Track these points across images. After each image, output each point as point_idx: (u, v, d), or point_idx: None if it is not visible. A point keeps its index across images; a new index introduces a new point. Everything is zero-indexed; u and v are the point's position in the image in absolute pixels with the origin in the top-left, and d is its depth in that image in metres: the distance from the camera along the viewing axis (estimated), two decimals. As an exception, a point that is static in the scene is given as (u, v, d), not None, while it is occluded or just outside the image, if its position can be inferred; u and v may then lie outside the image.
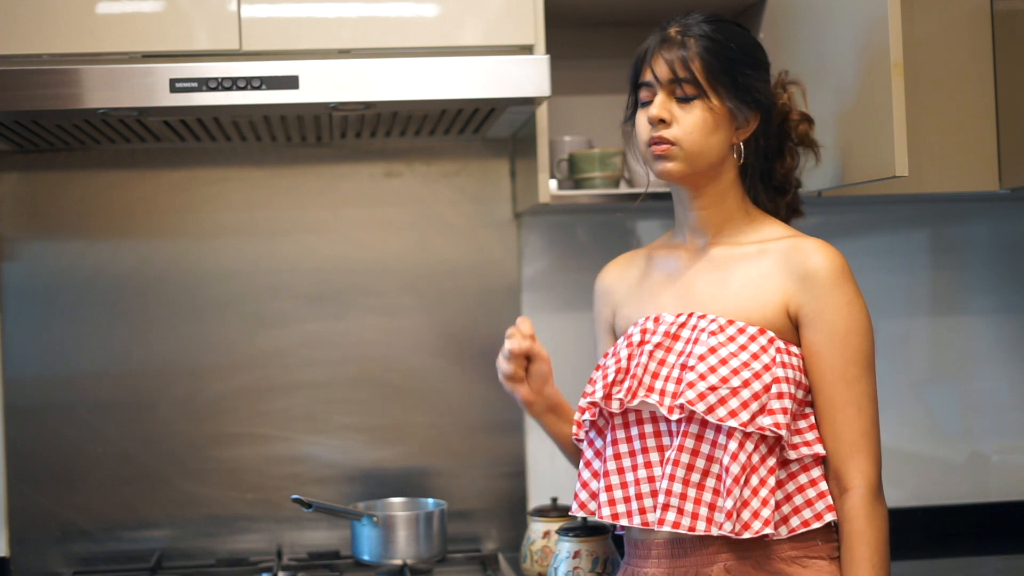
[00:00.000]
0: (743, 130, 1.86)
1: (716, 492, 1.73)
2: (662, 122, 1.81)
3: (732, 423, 1.70)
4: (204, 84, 2.03)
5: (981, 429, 2.75)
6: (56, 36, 2.16)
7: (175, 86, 2.02)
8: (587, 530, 2.11)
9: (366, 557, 2.42)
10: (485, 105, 2.20)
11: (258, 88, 2.04)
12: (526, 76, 2.09)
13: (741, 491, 1.71)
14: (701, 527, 1.73)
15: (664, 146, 1.81)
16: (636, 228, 2.69)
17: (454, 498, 2.59)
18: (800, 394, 1.76)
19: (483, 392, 2.65)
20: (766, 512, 1.71)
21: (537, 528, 2.40)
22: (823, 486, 1.76)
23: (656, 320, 1.84)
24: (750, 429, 1.71)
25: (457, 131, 2.51)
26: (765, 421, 1.71)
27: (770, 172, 1.94)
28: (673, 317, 1.83)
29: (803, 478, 1.76)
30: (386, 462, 2.63)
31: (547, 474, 2.65)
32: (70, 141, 2.44)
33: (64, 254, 2.57)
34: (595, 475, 1.85)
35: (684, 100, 1.82)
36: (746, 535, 1.72)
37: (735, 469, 1.71)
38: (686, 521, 1.73)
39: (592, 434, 1.86)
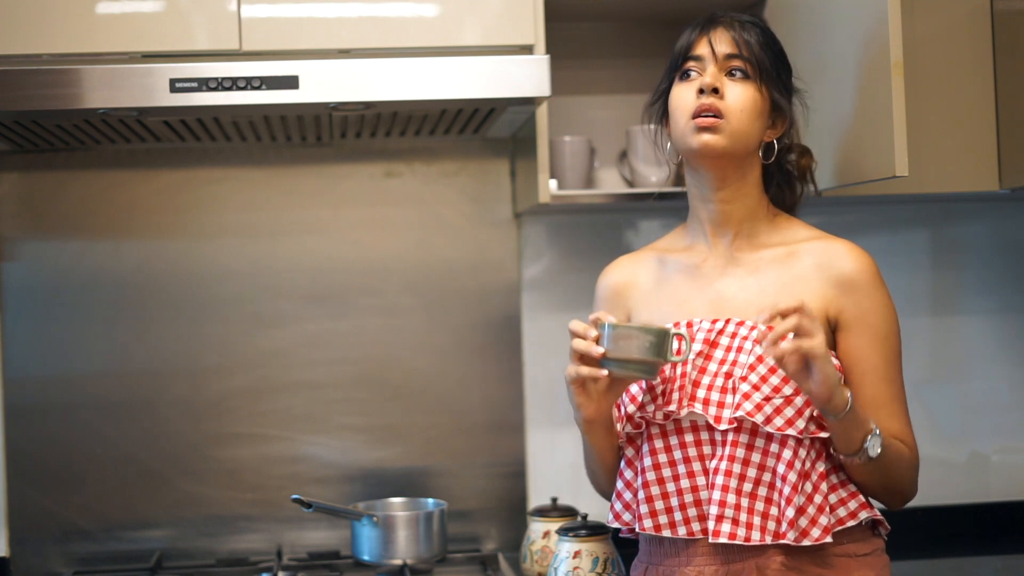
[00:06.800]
0: (772, 131, 1.87)
1: (768, 501, 1.73)
2: (715, 91, 1.79)
3: (790, 431, 1.70)
4: (204, 84, 2.02)
5: (981, 429, 2.75)
6: (56, 36, 2.16)
7: (175, 86, 2.02)
8: (587, 530, 2.10)
9: (366, 557, 2.42)
10: (485, 105, 2.20)
11: (258, 88, 2.04)
12: (526, 76, 2.09)
13: (798, 499, 1.71)
14: (756, 537, 1.72)
15: (711, 118, 1.78)
16: (637, 228, 2.69)
17: (454, 498, 2.59)
18: None
19: (483, 392, 2.65)
20: (824, 519, 1.71)
21: (537, 528, 2.40)
22: (852, 486, 1.77)
23: (689, 325, 1.80)
24: (804, 437, 1.71)
25: (457, 131, 2.51)
26: (814, 427, 1.72)
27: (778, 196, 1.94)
28: (709, 323, 1.79)
29: (834, 478, 1.76)
30: (386, 462, 2.63)
31: (547, 474, 2.65)
32: (70, 141, 2.44)
33: (64, 254, 2.57)
34: (628, 485, 1.82)
35: (738, 78, 1.81)
36: (805, 542, 1.71)
37: (792, 477, 1.71)
38: (741, 532, 1.72)
39: (620, 443, 1.84)
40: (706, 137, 1.79)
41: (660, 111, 1.93)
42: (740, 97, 1.80)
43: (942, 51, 2.24)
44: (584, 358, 1.71)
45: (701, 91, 1.80)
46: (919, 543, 2.57)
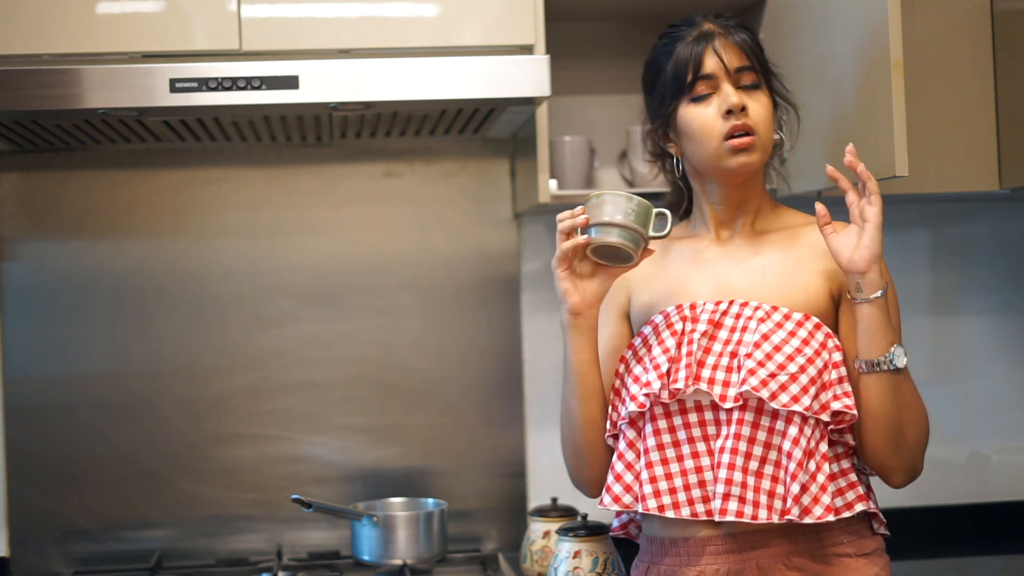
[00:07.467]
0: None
1: (774, 479, 1.72)
2: (743, 110, 1.78)
3: (796, 408, 1.70)
4: (204, 84, 2.03)
5: (980, 429, 2.75)
6: (56, 36, 2.16)
7: (175, 86, 2.02)
8: (587, 530, 2.11)
9: (366, 557, 2.42)
10: (485, 105, 2.20)
11: (258, 88, 2.04)
12: (526, 76, 2.09)
13: (802, 476, 1.71)
14: (763, 516, 1.71)
15: (748, 138, 1.78)
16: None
17: (454, 498, 2.59)
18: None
19: (483, 392, 2.65)
20: (826, 498, 1.71)
21: (537, 528, 2.40)
22: (852, 477, 1.77)
23: (692, 307, 1.81)
24: (824, 416, 1.72)
25: (457, 131, 2.52)
26: (836, 405, 1.72)
27: None
28: (713, 304, 1.80)
29: (835, 466, 1.76)
30: (386, 462, 2.63)
31: (547, 474, 2.65)
32: (70, 141, 2.44)
33: (64, 254, 2.57)
34: (629, 467, 1.81)
35: (751, 89, 1.81)
36: (807, 520, 1.71)
37: (798, 454, 1.71)
38: (748, 510, 1.72)
39: (622, 424, 1.82)
40: (743, 158, 1.79)
41: (662, 131, 1.89)
42: (762, 109, 1.81)
43: (942, 51, 2.24)
44: (570, 238, 1.75)
45: (729, 112, 1.78)
46: (919, 543, 2.57)
